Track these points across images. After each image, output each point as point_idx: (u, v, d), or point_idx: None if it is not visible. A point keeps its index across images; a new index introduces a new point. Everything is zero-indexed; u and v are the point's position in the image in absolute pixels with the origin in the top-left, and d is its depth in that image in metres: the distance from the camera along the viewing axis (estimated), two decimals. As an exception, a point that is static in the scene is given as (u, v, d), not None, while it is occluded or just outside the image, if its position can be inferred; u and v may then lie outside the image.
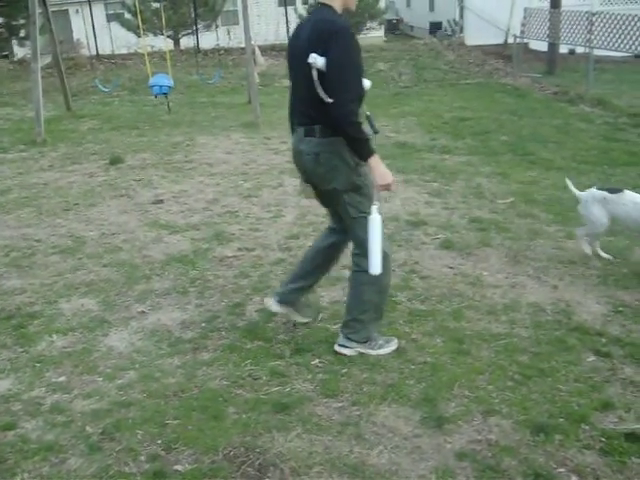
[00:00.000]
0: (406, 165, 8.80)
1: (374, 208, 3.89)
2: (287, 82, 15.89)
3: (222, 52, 20.25)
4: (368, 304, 4.19)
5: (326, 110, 3.77)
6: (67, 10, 29.60)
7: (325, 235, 4.50)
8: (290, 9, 26.55)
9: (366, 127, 3.94)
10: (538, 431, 3.47)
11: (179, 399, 3.86)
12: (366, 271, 3.98)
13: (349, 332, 4.24)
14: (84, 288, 5.40)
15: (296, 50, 3.93)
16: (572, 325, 4.55)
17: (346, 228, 4.18)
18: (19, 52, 23.81)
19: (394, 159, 9.11)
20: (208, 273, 5.62)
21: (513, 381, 3.92)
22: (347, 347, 4.25)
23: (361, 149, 3.83)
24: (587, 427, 3.49)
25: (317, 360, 4.19)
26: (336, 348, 4.28)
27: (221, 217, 7.01)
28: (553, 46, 18.25)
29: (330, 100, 3.71)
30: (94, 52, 23.87)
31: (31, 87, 11.62)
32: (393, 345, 4.31)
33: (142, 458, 3.39)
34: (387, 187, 3.87)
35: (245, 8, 12.28)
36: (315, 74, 3.75)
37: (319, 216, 6.83)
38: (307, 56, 3.74)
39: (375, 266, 3.89)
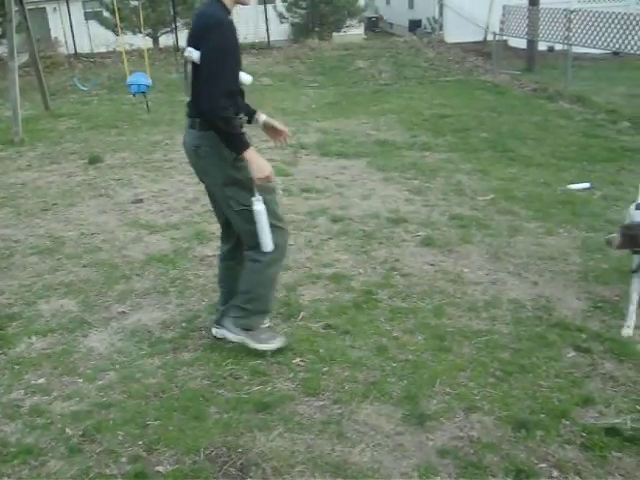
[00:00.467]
0: (386, 163, 8.80)
1: (254, 200, 3.90)
2: (267, 80, 15.76)
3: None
4: (253, 292, 4.20)
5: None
6: (44, 8, 29.30)
7: (220, 248, 4.53)
8: (269, 7, 26.52)
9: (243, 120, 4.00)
10: (519, 427, 3.48)
11: (160, 399, 3.84)
12: (256, 260, 4.07)
13: (233, 316, 4.26)
14: (63, 289, 5.36)
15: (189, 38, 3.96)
16: (552, 321, 4.57)
17: (232, 224, 4.17)
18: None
19: (374, 157, 9.13)
20: (188, 272, 5.59)
21: (494, 377, 3.94)
22: (232, 333, 4.27)
23: (233, 143, 3.82)
24: (568, 422, 3.51)
25: (298, 359, 4.18)
26: (221, 331, 4.34)
27: (201, 216, 6.97)
28: (532, 43, 18.34)
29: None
30: (72, 51, 23.70)
31: (8, 86, 11.52)
32: (278, 343, 4.30)
33: (123, 459, 3.37)
34: (265, 179, 3.88)
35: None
36: (189, 68, 3.82)
37: (299, 214, 6.84)
38: (194, 48, 3.77)
39: (267, 244, 3.97)
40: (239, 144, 3.81)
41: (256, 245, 4.02)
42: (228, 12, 3.86)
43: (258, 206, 3.90)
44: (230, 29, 3.77)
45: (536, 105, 13.12)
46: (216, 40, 3.72)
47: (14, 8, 11.06)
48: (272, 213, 4.01)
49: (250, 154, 3.82)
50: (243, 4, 4.01)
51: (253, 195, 3.93)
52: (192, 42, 3.79)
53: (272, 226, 3.98)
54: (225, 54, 3.73)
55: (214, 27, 3.72)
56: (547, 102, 13.37)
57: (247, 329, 4.25)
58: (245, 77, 3.96)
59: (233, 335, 4.27)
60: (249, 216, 3.95)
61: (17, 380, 4.11)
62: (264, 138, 10.50)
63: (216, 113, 3.71)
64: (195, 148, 3.94)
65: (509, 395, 3.77)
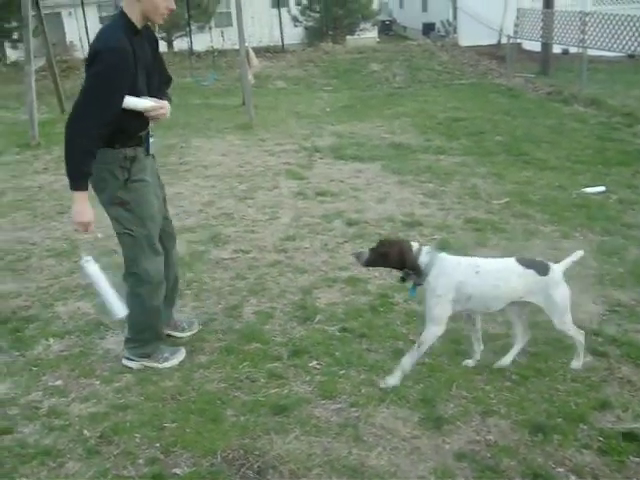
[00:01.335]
0: (401, 166, 8.80)
1: (82, 262, 3.91)
2: (281, 83, 15.80)
3: (216, 54, 20.20)
4: (142, 325, 4.23)
5: None
6: (60, 13, 29.51)
7: None
8: (283, 10, 26.59)
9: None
10: (536, 431, 3.48)
11: (177, 402, 3.86)
12: (135, 294, 4.09)
13: (129, 347, 4.29)
14: (80, 291, 5.38)
15: None
16: (569, 325, 4.55)
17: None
18: (12, 55, 23.74)
19: (389, 160, 9.13)
20: (204, 275, 5.61)
21: (511, 381, 3.94)
22: (132, 360, 4.28)
23: (71, 174, 3.71)
24: (585, 427, 3.51)
25: (315, 362, 4.20)
26: (122, 362, 4.31)
27: (217, 219, 7.00)
28: (546, 46, 18.27)
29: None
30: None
31: (25, 90, 11.59)
32: (180, 356, 4.34)
33: (140, 461, 3.39)
34: (81, 227, 3.81)
35: (239, 10, 12.27)
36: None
37: (314, 217, 6.85)
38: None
39: (116, 311, 3.94)
40: (72, 179, 3.71)
41: (132, 272, 4.06)
42: (133, 30, 3.73)
43: (87, 269, 3.90)
44: (119, 57, 3.61)
45: (551, 108, 13.08)
46: (97, 70, 3.61)
47: (31, 13, 11.12)
48: (150, 244, 4.03)
49: (78, 196, 3.71)
50: (153, 22, 3.86)
51: (140, 220, 3.93)
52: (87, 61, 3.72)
53: (146, 257, 4.01)
54: (98, 86, 3.62)
55: (99, 53, 3.61)
56: (562, 105, 13.32)
57: (146, 356, 4.27)
58: (141, 102, 3.80)
59: (135, 363, 4.28)
60: (128, 241, 4.00)
61: (35, 382, 4.15)
62: (278, 141, 10.58)
63: (67, 136, 3.64)
64: None
65: (526, 399, 3.76)
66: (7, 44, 24.26)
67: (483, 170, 8.58)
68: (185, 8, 23.78)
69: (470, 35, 22.25)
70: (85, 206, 3.74)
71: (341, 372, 4.07)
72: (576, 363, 4.03)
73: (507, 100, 14.24)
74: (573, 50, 17.97)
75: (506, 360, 4.10)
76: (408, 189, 7.83)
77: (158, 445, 3.49)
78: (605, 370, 4.03)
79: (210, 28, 24.48)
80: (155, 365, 4.24)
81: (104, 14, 28.01)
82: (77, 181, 3.70)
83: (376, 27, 31.87)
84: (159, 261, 4.15)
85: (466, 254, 5.70)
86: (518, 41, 19.34)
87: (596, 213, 6.75)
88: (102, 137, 3.70)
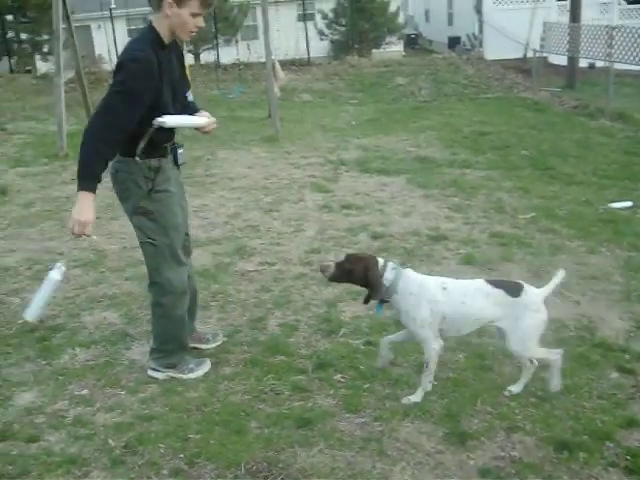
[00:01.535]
0: (426, 180, 8.79)
1: (53, 268, 4.04)
2: (306, 96, 15.82)
3: (242, 67, 20.34)
4: (167, 335, 4.26)
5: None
6: (89, 26, 29.94)
7: None
8: (310, 24, 26.71)
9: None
10: (562, 448, 3.45)
11: (201, 413, 3.87)
12: (158, 304, 4.14)
13: (155, 358, 4.31)
14: (106, 301, 5.43)
15: None
16: (595, 341, 4.53)
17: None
18: (42, 67, 24.05)
19: (414, 174, 9.12)
20: (229, 287, 5.64)
21: (536, 397, 3.91)
22: (158, 371, 4.30)
23: (81, 175, 3.68)
24: (611, 445, 3.48)
25: (339, 375, 4.20)
26: (148, 372, 4.33)
27: (242, 231, 7.04)
28: (573, 60, 18.22)
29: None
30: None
31: (54, 101, 11.72)
32: (205, 367, 4.36)
33: (165, 472, 3.40)
34: (80, 225, 3.71)
35: (266, 23, 12.36)
36: None
37: (339, 230, 6.86)
38: None
39: (30, 311, 4.16)
40: (81, 179, 3.68)
41: (154, 282, 4.11)
42: (160, 44, 3.76)
43: (52, 274, 4.01)
44: (142, 67, 3.63)
45: (577, 122, 13.02)
46: (123, 77, 3.65)
47: (62, 26, 11.26)
48: (173, 254, 4.06)
49: (85, 196, 3.67)
50: (179, 39, 3.89)
51: (163, 229, 3.97)
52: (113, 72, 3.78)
53: (169, 267, 4.05)
54: (124, 91, 3.64)
55: (125, 64, 3.65)
56: (588, 119, 13.26)
57: (172, 367, 4.30)
58: (196, 120, 4.00)
59: (161, 374, 4.30)
60: (150, 250, 4.03)
61: (61, 390, 4.18)
62: (304, 154, 10.61)
63: (85, 138, 3.68)
64: (114, 172, 3.93)
65: (551, 415, 3.74)
66: (37, 56, 24.57)
67: (509, 184, 8.55)
68: (212, 21, 23.98)
69: (496, 49, 22.21)
70: (88, 206, 3.68)
71: (365, 386, 4.07)
72: (555, 383, 3.88)
73: (533, 114, 14.20)
74: (599, 64, 17.89)
75: (517, 387, 3.98)
76: (433, 203, 7.82)
77: (182, 456, 3.50)
78: (632, 387, 3.99)
79: (237, 41, 24.68)
80: (180, 376, 4.26)
81: (132, 27, 28.33)
82: (86, 182, 3.68)
83: (402, 41, 31.93)
84: (182, 271, 4.17)
85: (491, 269, 5.74)
86: (544, 55, 19.29)
87: (623, 228, 6.70)
88: (119, 144, 3.74)
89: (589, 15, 19.49)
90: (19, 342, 4.82)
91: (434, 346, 3.82)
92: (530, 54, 19.90)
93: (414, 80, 19.03)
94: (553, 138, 11.42)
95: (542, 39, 18.52)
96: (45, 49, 23.83)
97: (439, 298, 3.77)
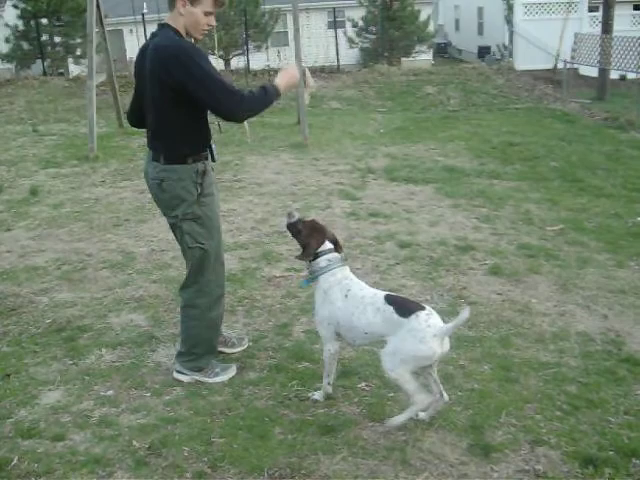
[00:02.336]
0: (454, 190, 8.77)
1: None
2: (335, 104, 15.73)
3: (272, 73, 20.34)
4: (198, 338, 4.26)
5: (173, 137, 3.84)
6: (121, 30, 30.25)
7: None
8: (340, 31, 26.75)
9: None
10: (587, 463, 3.42)
11: (225, 417, 3.89)
12: (192, 306, 4.13)
13: (182, 361, 4.31)
14: (133, 303, 5.47)
15: (143, 71, 3.89)
16: (622, 356, 4.49)
17: (183, 256, 4.21)
18: (74, 70, 24.31)
19: (443, 183, 9.10)
20: (256, 292, 5.66)
21: (561, 411, 3.88)
22: (184, 374, 4.30)
23: (272, 100, 3.86)
24: (638, 461, 3.44)
25: (364, 383, 4.19)
26: (174, 375, 4.34)
27: (269, 237, 7.06)
28: (603, 72, 18.08)
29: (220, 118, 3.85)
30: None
31: (86, 104, 11.85)
32: (231, 372, 4.36)
33: (188, 475, 3.42)
34: (296, 77, 3.98)
35: (297, 30, 12.40)
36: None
37: (366, 238, 6.86)
38: (157, 81, 3.75)
39: None
40: (274, 97, 3.85)
41: (193, 284, 4.13)
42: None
43: None
44: (196, 50, 3.77)
45: (607, 135, 12.92)
46: (192, 63, 3.70)
47: (95, 30, 11.40)
48: (217, 255, 4.16)
49: (281, 85, 3.88)
50: (193, 37, 3.97)
51: (210, 233, 4.04)
52: (159, 74, 3.76)
53: (213, 269, 4.13)
54: (205, 69, 3.71)
55: (182, 54, 3.71)
56: (618, 132, 13.15)
57: (198, 370, 4.30)
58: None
59: (187, 377, 4.31)
60: (199, 254, 4.06)
61: (87, 391, 4.22)
62: (332, 161, 10.60)
63: (243, 114, 3.82)
64: (160, 182, 3.95)
65: (576, 430, 3.70)
66: (70, 59, 24.85)
67: (537, 196, 8.51)
68: (243, 27, 24.11)
69: (526, 59, 22.08)
70: (286, 76, 3.93)
71: (390, 394, 4.06)
72: (397, 418, 3.67)
73: (563, 125, 14.10)
74: (631, 76, 17.74)
75: (397, 419, 3.69)
76: (461, 213, 7.80)
77: (206, 459, 3.52)
78: (660, 404, 3.95)
79: (267, 47, 24.76)
80: (206, 380, 4.28)
81: (200, 37, 28.49)
82: (276, 95, 3.85)
83: (431, 49, 31.88)
84: (222, 272, 4.25)
85: (518, 280, 5.70)
86: (575, 66, 19.17)
87: (652, 243, 6.64)
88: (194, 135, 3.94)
89: (621, 27, 19.32)
90: (46, 341, 4.88)
91: (328, 347, 3.88)
92: (560, 65, 19.79)
93: (443, 89, 18.99)
94: (582, 150, 11.34)
95: (573, 50, 18.41)
96: (78, 52, 24.13)
97: (338, 304, 3.78)
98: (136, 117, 4.25)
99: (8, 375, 4.40)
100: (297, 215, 4.09)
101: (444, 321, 3.59)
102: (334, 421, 3.80)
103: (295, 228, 4.04)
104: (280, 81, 3.88)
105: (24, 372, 4.45)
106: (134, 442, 3.68)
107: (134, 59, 4.12)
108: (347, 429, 3.73)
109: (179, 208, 3.96)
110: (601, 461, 3.42)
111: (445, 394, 3.77)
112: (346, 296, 3.78)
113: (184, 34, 3.87)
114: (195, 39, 3.98)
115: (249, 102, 3.75)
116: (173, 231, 4.18)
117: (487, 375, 4.26)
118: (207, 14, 3.84)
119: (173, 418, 3.89)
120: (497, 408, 3.90)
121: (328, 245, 3.93)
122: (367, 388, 4.15)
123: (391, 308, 3.60)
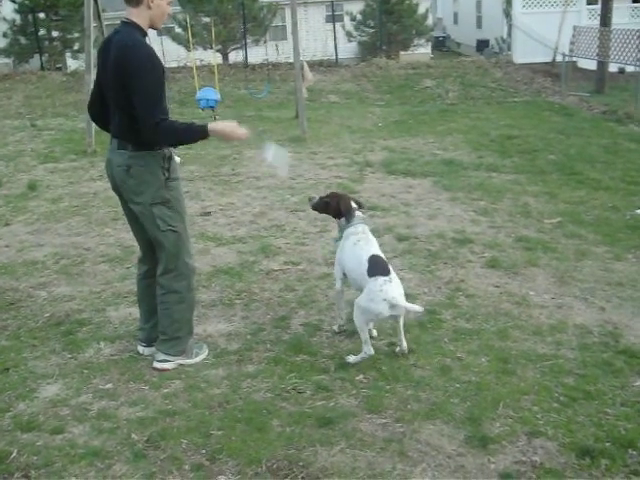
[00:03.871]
0: (452, 183, 8.77)
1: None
2: (333, 97, 15.72)
3: (270, 67, 20.34)
4: (182, 321, 4.36)
5: (138, 131, 3.89)
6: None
7: (138, 268, 4.62)
8: (338, 25, 26.70)
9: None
10: (584, 454, 3.43)
11: (224, 410, 3.90)
12: (174, 291, 4.22)
13: (167, 347, 4.37)
14: (132, 297, 5.47)
15: (107, 64, 4.00)
16: (619, 348, 4.49)
17: (155, 244, 4.25)
18: (72, 64, 24.26)
19: (441, 176, 9.10)
20: (254, 286, 5.67)
21: (558, 403, 3.89)
22: (168, 361, 4.36)
23: (193, 139, 4.02)
24: (634, 452, 3.45)
25: (361, 375, 4.20)
26: (156, 365, 4.38)
27: (267, 230, 7.07)
28: (602, 65, 18.05)
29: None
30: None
31: (83, 98, 11.83)
32: (205, 349, 4.54)
33: (186, 467, 3.43)
34: (241, 135, 4.10)
35: (295, 24, 12.38)
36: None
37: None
38: (118, 77, 3.87)
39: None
40: (197, 135, 3.96)
41: (172, 270, 4.20)
42: (144, 35, 4.03)
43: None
44: (149, 55, 3.89)
45: (605, 128, 12.90)
46: (140, 69, 3.86)
47: (92, 24, 11.37)
48: (187, 237, 4.29)
49: (213, 129, 3.94)
50: (156, 28, 4.16)
51: (179, 215, 4.16)
52: (118, 73, 3.90)
53: (186, 251, 4.25)
54: (147, 78, 3.86)
55: (135, 55, 3.88)
56: (617, 125, 13.14)
57: (182, 352, 4.39)
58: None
59: (171, 363, 4.37)
60: (172, 237, 4.15)
61: (85, 384, 4.24)
62: (330, 154, 10.61)
63: (154, 136, 3.90)
64: (127, 168, 4.02)
65: (573, 421, 3.72)
66: (68, 54, 24.81)
67: (535, 189, 8.51)
68: (241, 21, 24.06)
69: (524, 52, 22.04)
70: (221, 125, 4.05)
71: (387, 387, 4.07)
72: (352, 358, 4.37)
73: (561, 119, 14.09)
74: (630, 69, 17.73)
75: (353, 359, 4.36)
76: (459, 206, 7.80)
77: (204, 452, 3.54)
78: (656, 395, 3.96)
79: (265, 41, 24.70)
80: (188, 361, 4.39)
81: (162, 26, 28.44)
82: (199, 133, 3.94)
83: (430, 43, 31.83)
84: (192, 253, 4.38)
85: (516, 273, 5.71)
86: (573, 59, 19.15)
87: (651, 235, 6.64)
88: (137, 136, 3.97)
89: (620, 20, 19.30)
90: (45, 335, 4.89)
91: (336, 285, 4.73)
92: (559, 58, 19.77)
93: (442, 83, 18.97)
94: (581, 143, 11.32)
95: (571, 43, 18.39)
96: (75, 47, 24.08)
97: (346, 250, 4.57)
98: (96, 110, 4.36)
99: (7, 369, 4.42)
100: (316, 195, 4.90)
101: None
102: (332, 413, 3.81)
103: (320, 205, 4.79)
104: (215, 125, 4.00)
105: (23, 366, 4.46)
106: (133, 435, 3.69)
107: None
108: (345, 421, 3.75)
109: (146, 193, 4.04)
110: (598, 452, 3.43)
111: (405, 344, 4.41)
112: (354, 244, 4.50)
113: (147, 28, 4.03)
114: (158, 29, 4.19)
115: (167, 129, 3.87)
116: (136, 220, 4.26)
117: (484, 367, 4.27)
118: (169, 3, 4.05)
119: (171, 411, 3.91)
120: (494, 400, 3.91)
121: (354, 205, 4.69)
122: (365, 380, 4.15)
123: (367, 266, 4.31)
